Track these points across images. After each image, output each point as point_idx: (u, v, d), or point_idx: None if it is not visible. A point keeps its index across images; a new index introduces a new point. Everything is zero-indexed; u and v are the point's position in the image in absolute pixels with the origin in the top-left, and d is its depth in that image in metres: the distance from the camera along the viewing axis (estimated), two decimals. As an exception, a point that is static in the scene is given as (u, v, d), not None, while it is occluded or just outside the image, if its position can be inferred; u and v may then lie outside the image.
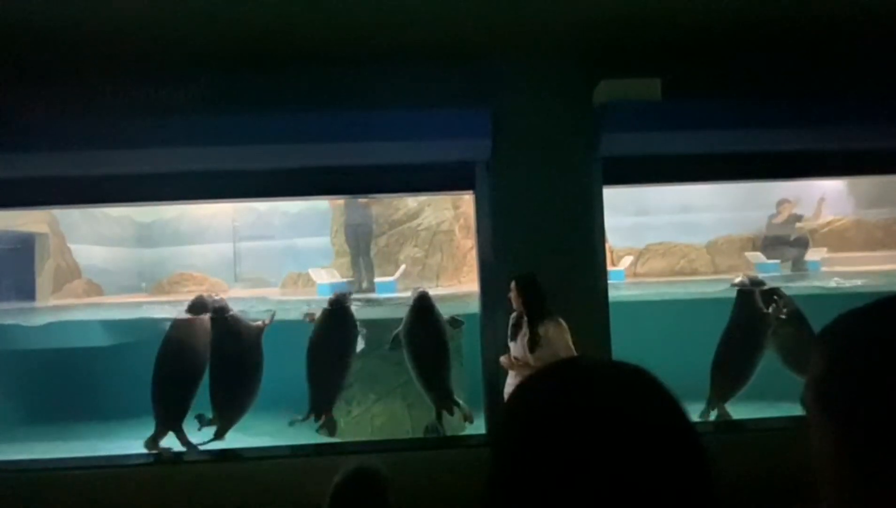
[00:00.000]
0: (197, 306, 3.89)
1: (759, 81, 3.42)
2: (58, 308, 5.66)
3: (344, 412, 4.68)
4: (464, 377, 4.67)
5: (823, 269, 5.76)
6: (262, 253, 7.44)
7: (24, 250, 6.05)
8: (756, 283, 3.93)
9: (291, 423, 3.79)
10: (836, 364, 0.48)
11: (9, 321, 5.10)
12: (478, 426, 3.75)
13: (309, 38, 3.17)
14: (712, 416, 3.66)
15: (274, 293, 6.12)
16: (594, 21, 3.10)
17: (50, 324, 5.08)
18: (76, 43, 3.06)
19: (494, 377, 3.42)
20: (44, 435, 4.68)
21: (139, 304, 5.79)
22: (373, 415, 4.51)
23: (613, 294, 3.50)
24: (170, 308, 5.00)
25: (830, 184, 6.46)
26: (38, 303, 5.97)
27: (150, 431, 3.62)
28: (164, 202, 5.01)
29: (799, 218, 6.10)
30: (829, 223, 6.56)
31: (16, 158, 3.23)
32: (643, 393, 0.47)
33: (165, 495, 3.13)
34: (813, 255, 5.97)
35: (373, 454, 3.32)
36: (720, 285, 4.52)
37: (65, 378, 5.18)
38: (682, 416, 0.46)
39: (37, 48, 3.09)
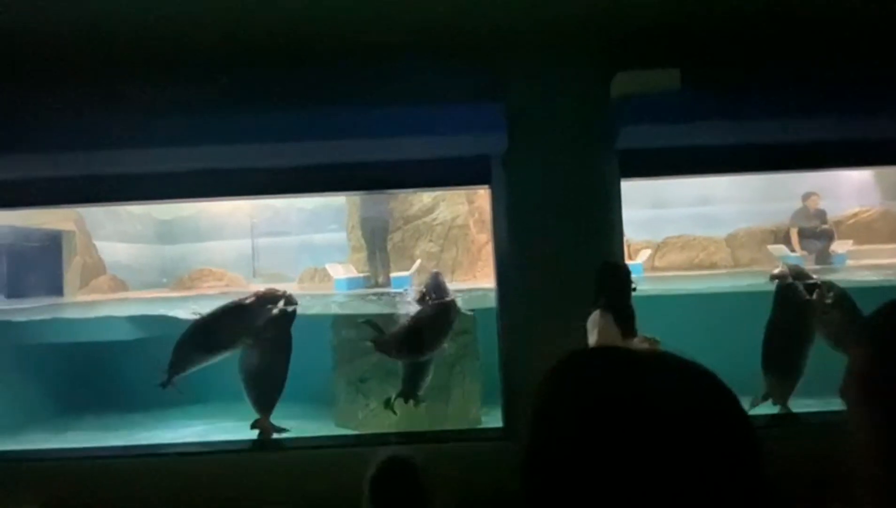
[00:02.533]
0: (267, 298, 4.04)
1: (782, 68, 3.32)
2: (86, 304, 5.84)
3: (362, 406, 4.74)
4: (480, 371, 4.69)
5: (850, 262, 5.61)
6: (279, 249, 7.55)
7: (52, 247, 6.25)
8: (799, 275, 3.84)
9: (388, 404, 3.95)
10: (882, 357, 0.47)
11: (44, 316, 5.28)
12: (495, 420, 3.77)
13: (323, 33, 3.18)
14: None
15: (292, 289, 6.20)
16: (611, 10, 3.05)
17: (87, 319, 5.25)
18: (97, 42, 3.13)
19: (512, 372, 3.42)
20: (78, 425, 4.85)
21: (164, 299, 5.94)
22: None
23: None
24: (192, 304, 5.11)
25: (857, 175, 6.27)
26: (66, 298, 6.16)
27: (176, 421, 3.72)
28: (183, 200, 5.11)
29: (822, 211, 5.94)
30: (855, 215, 6.37)
31: (40, 158, 3.33)
32: (701, 385, 0.46)
33: (198, 485, 3.23)
34: (839, 247, 5.81)
35: (391, 445, 3.37)
36: (742, 278, 4.43)
37: (95, 371, 5.35)
38: (737, 407, 0.45)
39: (58, 48, 3.17)
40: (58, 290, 6.20)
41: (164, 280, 7.16)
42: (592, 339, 2.79)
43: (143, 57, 3.29)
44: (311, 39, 3.23)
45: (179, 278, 6.95)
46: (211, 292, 6.29)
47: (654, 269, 6.10)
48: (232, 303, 3.90)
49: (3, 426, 4.53)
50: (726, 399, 0.46)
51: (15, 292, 5.67)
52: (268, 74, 3.40)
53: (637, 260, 5.70)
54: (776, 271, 3.86)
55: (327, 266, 5.84)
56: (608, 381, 0.46)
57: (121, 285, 6.83)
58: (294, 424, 4.48)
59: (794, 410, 3.58)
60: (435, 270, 4.07)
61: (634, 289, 2.91)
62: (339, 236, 6.51)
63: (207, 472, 3.29)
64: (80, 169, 3.45)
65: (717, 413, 0.44)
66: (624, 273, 2.84)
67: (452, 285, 5.33)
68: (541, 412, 0.48)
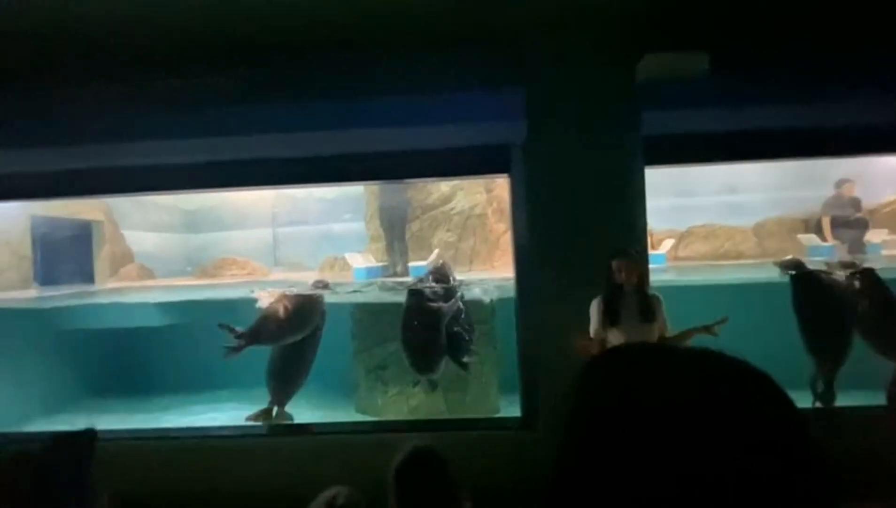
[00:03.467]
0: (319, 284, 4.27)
1: (812, 52, 3.17)
2: (115, 291, 6.04)
3: (381, 392, 4.80)
4: (498, 361, 4.69)
5: (884, 252, 5.38)
6: (300, 238, 7.65)
7: (83, 236, 6.46)
8: (793, 266, 3.85)
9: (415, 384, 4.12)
10: None
11: (75, 302, 5.48)
12: (513, 409, 3.77)
13: (343, 23, 3.17)
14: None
15: (313, 277, 6.29)
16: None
17: (116, 306, 5.43)
18: (123, 36, 3.18)
19: (531, 361, 3.41)
20: (107, 408, 5.05)
21: (189, 287, 6.09)
22: (408, 396, 4.60)
23: (652, 279, 3.39)
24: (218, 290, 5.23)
25: (893, 161, 5.98)
26: (97, 286, 6.38)
27: (211, 404, 3.85)
28: (206, 190, 5.21)
29: (857, 199, 5.69)
30: (891, 203, 6.09)
31: (70, 151, 3.43)
32: (753, 386, 0.43)
33: (213, 468, 3.33)
34: (873, 237, 5.57)
35: (408, 432, 3.41)
36: (768, 270, 4.30)
37: (124, 356, 5.55)
38: (793, 411, 0.43)
39: (82, 43, 3.23)
40: (89, 278, 6.43)
41: (189, 269, 7.35)
42: (591, 327, 2.78)
43: (166, 49, 3.33)
44: (330, 28, 3.22)
45: (203, 267, 7.12)
46: (233, 280, 6.43)
47: (676, 259, 5.96)
48: (310, 292, 4.07)
49: (37, 409, 4.75)
50: (780, 403, 0.43)
51: (48, 280, 5.91)
52: (288, 65, 3.41)
53: (660, 250, 5.58)
54: (785, 259, 4.00)
55: (347, 256, 5.89)
56: (650, 379, 0.44)
57: (148, 274, 7.04)
58: (315, 410, 4.58)
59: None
60: (442, 261, 4.15)
61: (641, 278, 2.82)
62: (358, 226, 6.55)
63: (229, 455, 3.39)
64: (107, 161, 3.55)
65: (769, 417, 0.42)
66: (619, 262, 2.77)
67: (471, 274, 5.32)
68: (580, 409, 0.45)
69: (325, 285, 4.60)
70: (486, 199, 5.90)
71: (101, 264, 6.63)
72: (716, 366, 0.44)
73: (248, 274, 6.78)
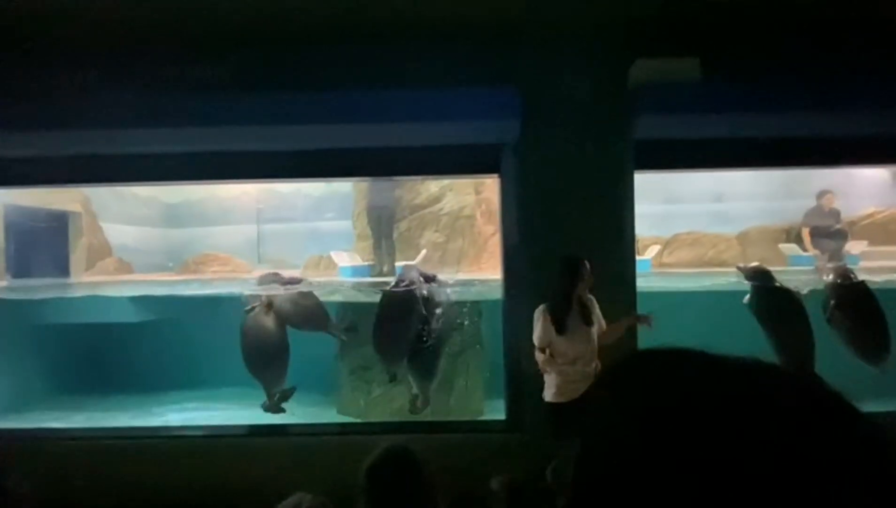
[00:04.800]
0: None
1: (804, 59, 3.21)
2: (91, 284, 5.85)
3: (364, 393, 4.73)
4: (484, 363, 4.66)
5: (863, 263, 5.49)
6: (284, 235, 7.53)
7: (58, 227, 6.25)
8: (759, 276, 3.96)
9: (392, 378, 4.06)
10: None
11: (49, 295, 5.30)
12: (498, 411, 3.74)
13: (333, 16, 3.12)
14: None
15: (296, 275, 6.19)
16: (630, -4, 2.95)
17: (92, 300, 5.27)
18: (103, 21, 3.08)
19: (517, 364, 3.38)
20: (82, 406, 4.87)
21: (169, 282, 5.93)
22: (392, 397, 4.54)
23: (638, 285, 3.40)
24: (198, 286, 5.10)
25: (875, 174, 6.13)
26: (72, 279, 6.18)
27: (182, 403, 3.74)
28: (188, 182, 5.09)
29: (837, 210, 5.82)
30: (870, 215, 6.24)
31: (45, 136, 3.30)
32: (826, 402, 0.38)
33: (197, 468, 3.22)
34: (852, 248, 5.70)
35: (391, 434, 3.35)
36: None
37: (100, 351, 5.37)
38: (870, 427, 0.37)
39: (63, 26, 3.12)
40: (63, 270, 6.22)
41: (170, 264, 7.17)
42: (535, 333, 2.78)
43: (149, 36, 3.24)
44: (320, 21, 3.16)
45: (185, 263, 6.96)
46: (215, 276, 6.29)
47: (662, 265, 6.01)
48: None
49: (5, 406, 4.56)
50: (857, 421, 0.37)
51: (21, 272, 5.70)
52: (277, 57, 3.34)
53: (646, 256, 5.62)
54: (748, 266, 4.14)
55: (332, 254, 5.81)
56: (697, 387, 0.39)
57: (126, 268, 6.84)
58: (296, 411, 4.49)
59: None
60: (411, 263, 4.20)
61: (590, 286, 2.83)
62: (344, 224, 6.47)
63: (207, 456, 3.28)
64: (85, 148, 3.42)
65: (846, 437, 0.36)
66: (568, 269, 2.79)
67: (459, 275, 5.28)
68: (601, 415, 0.41)
69: (288, 282, 4.51)
70: (475, 200, 5.88)
71: (77, 256, 6.42)
72: (775, 379, 0.40)
73: (231, 271, 6.64)
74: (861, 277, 4.08)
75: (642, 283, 3.53)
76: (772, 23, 3.14)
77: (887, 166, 5.56)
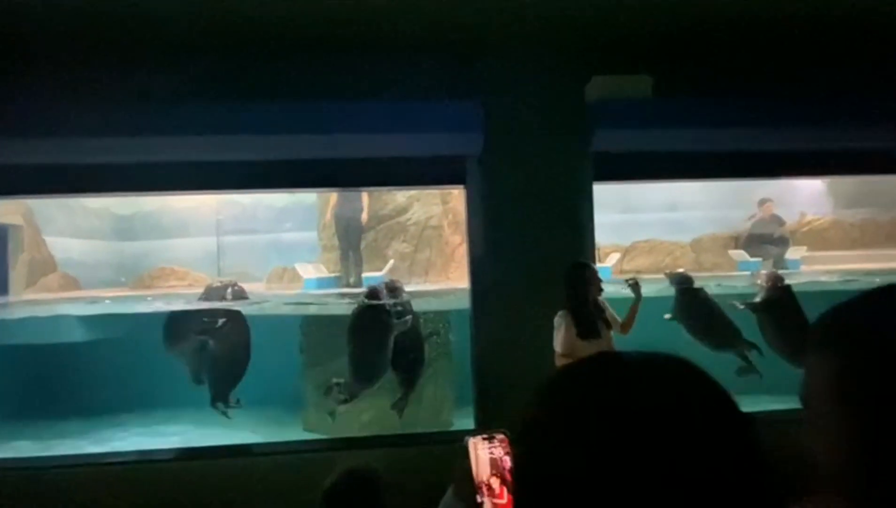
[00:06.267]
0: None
1: (749, 79, 3.46)
2: (33, 302, 5.48)
3: (331, 409, 4.63)
4: (453, 373, 4.66)
5: (803, 267, 5.90)
6: (246, 247, 7.31)
7: (-4, 242, 5.84)
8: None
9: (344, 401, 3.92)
10: (856, 359, 0.46)
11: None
12: (468, 422, 3.75)
13: (296, 26, 3.10)
14: None
15: (259, 288, 6.02)
16: (587, 16, 3.09)
17: (25, 319, 4.92)
18: (51, 28, 2.94)
19: (485, 373, 3.41)
20: (24, 433, 4.53)
21: (121, 298, 5.64)
22: (360, 410, 4.46)
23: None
24: (153, 303, 4.87)
25: (811, 184, 6.61)
26: (11, 297, 5.77)
27: (134, 427, 3.55)
28: (145, 193, 4.87)
29: (779, 218, 6.23)
30: (808, 223, 6.72)
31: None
32: (694, 384, 0.45)
33: (149, 493, 3.05)
34: (793, 254, 6.10)
35: (358, 450, 3.30)
36: (704, 282, 4.61)
37: (44, 374, 5.02)
38: (732, 406, 0.44)
39: (11, 31, 2.96)
40: (2, 288, 5.81)
41: (123, 279, 6.81)
42: (556, 340, 2.83)
43: (103, 43, 3.11)
44: (284, 33, 3.13)
45: (139, 277, 6.63)
46: (173, 291, 6.02)
47: (622, 272, 6.24)
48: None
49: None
50: (720, 398, 0.44)
51: (-47, 290, 5.28)
52: (239, 65, 3.28)
53: (606, 263, 5.82)
54: (674, 272, 4.52)
55: (297, 266, 5.70)
56: (595, 387, 0.45)
57: (73, 284, 6.45)
58: (258, 430, 4.34)
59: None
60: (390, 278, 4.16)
61: (601, 290, 2.96)
62: (309, 235, 6.36)
63: (163, 482, 3.12)
64: (30, 157, 3.22)
65: (710, 414, 0.43)
66: (584, 274, 2.87)
67: (426, 285, 5.29)
68: (531, 423, 0.46)
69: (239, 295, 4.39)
70: (442, 211, 5.92)
71: (17, 272, 6.01)
72: (659, 368, 0.46)
73: (189, 285, 6.38)
74: (801, 279, 4.40)
75: (605, 289, 3.65)
76: (721, 44, 3.37)
77: (822, 177, 6.01)
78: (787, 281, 4.22)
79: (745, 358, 4.09)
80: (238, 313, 4.28)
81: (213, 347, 4.04)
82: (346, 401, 3.96)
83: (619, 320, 2.98)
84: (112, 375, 4.94)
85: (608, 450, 0.40)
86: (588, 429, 0.41)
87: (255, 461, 3.33)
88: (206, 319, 4.15)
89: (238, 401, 3.96)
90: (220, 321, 4.11)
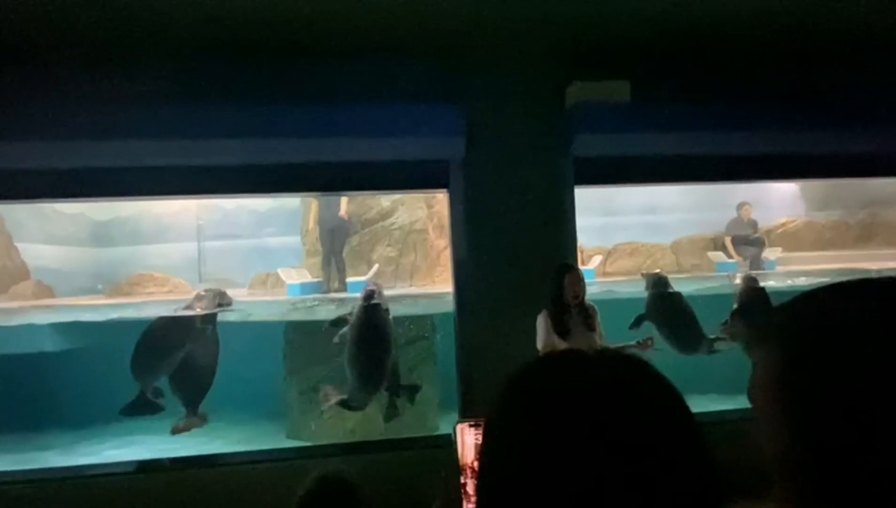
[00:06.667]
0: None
1: (726, 84, 3.55)
2: (4, 311, 5.31)
3: (315, 415, 4.58)
4: (437, 377, 4.66)
5: (779, 268, 6.06)
6: (228, 253, 7.20)
7: (-35, 249, 5.64)
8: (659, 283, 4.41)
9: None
10: (801, 356, 0.46)
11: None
12: (447, 426, 3.74)
13: (280, 31, 3.08)
14: None
15: (241, 294, 5.93)
16: (567, 22, 3.15)
17: (6, 328, 4.76)
18: (27, 31, 2.87)
19: (469, 376, 3.41)
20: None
21: (97, 306, 5.50)
22: (345, 417, 4.42)
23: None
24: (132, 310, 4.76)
25: (785, 187, 6.81)
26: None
27: (111, 438, 3.45)
28: (123, 198, 4.77)
29: (754, 221, 6.40)
30: (783, 225, 6.91)
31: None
32: (643, 381, 0.46)
33: (126, 504, 2.97)
34: (769, 254, 6.27)
35: (341, 456, 3.27)
36: (684, 283, 4.70)
37: (14, 385, 4.86)
38: (680, 403, 0.46)
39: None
40: (-29, 297, 5.61)
41: (100, 286, 6.64)
42: (538, 338, 2.86)
43: (84, 45, 3.04)
44: (268, 38, 3.11)
45: (117, 284, 6.48)
46: (152, 298, 5.89)
47: (605, 274, 6.33)
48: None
49: None
50: (664, 392, 0.46)
51: (-81, 299, 5.07)
52: (222, 70, 3.24)
53: (589, 266, 5.89)
54: (649, 272, 4.66)
55: (280, 271, 5.63)
56: (550, 385, 0.46)
57: (46, 292, 6.26)
58: (241, 438, 4.26)
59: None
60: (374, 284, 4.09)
61: (585, 291, 2.98)
62: (292, 240, 6.29)
63: (143, 493, 3.04)
64: (1, 162, 3.13)
65: (656, 407, 0.45)
66: (564, 274, 2.90)
67: (411, 289, 5.27)
68: (492, 423, 0.48)
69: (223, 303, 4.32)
70: (426, 214, 5.92)
71: (-13, 280, 5.82)
72: (615, 367, 0.48)
73: (168, 292, 6.25)
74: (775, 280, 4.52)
75: (588, 291, 3.70)
76: (698, 50, 3.46)
77: (797, 180, 6.20)
78: (762, 282, 4.34)
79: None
80: (213, 316, 4.21)
81: (188, 355, 3.98)
82: (357, 409, 3.83)
83: (603, 336, 2.99)
84: (85, 385, 4.81)
85: (558, 446, 0.42)
86: (540, 424, 0.43)
87: (236, 469, 3.27)
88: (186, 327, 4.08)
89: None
90: (198, 328, 4.05)
